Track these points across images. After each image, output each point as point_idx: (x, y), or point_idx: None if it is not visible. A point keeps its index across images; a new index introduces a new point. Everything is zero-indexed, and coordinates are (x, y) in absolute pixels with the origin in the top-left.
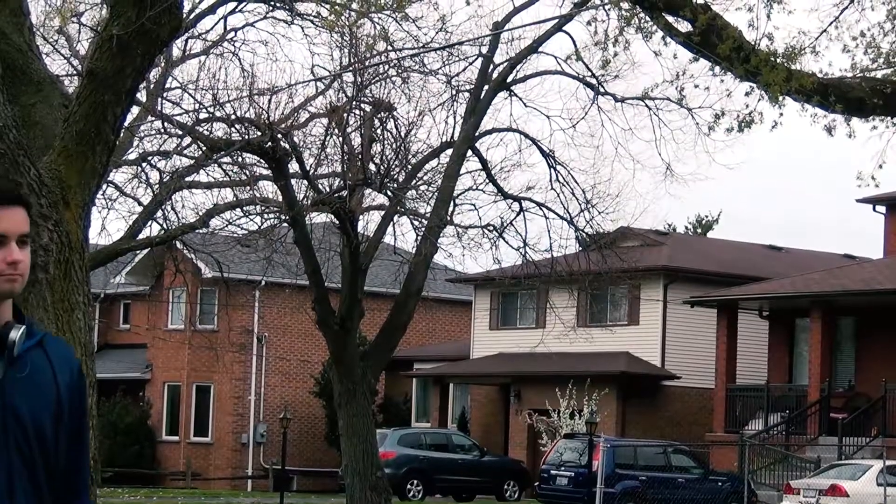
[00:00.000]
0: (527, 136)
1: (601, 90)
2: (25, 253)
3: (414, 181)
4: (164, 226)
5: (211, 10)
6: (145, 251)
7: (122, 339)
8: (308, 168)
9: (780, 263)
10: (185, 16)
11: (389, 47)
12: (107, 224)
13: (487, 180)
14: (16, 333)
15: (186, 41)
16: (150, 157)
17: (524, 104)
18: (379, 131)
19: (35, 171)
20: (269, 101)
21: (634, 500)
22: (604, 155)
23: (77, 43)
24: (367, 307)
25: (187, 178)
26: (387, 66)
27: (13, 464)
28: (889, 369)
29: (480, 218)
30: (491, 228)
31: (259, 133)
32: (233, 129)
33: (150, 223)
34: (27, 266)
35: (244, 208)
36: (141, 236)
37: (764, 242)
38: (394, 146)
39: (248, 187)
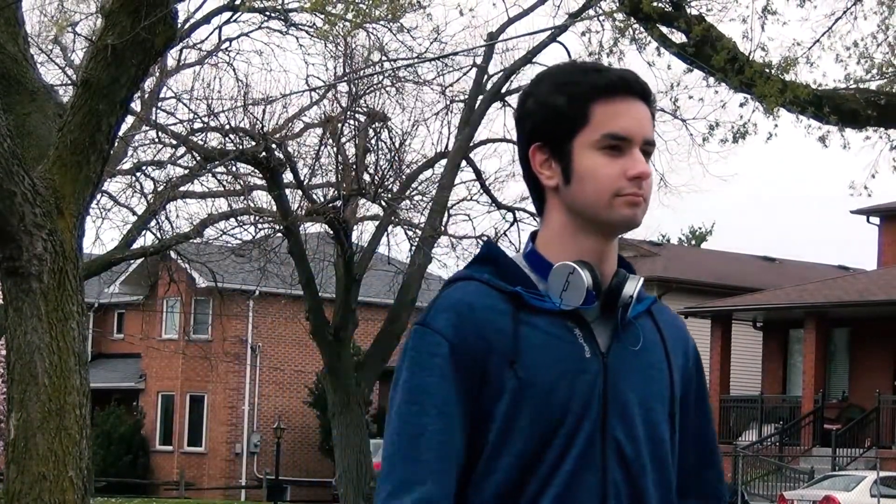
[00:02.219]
0: None
1: None
2: (649, 166)
3: (408, 191)
4: (159, 235)
5: (206, 20)
6: (139, 261)
7: (115, 349)
8: (302, 178)
9: (774, 274)
10: (179, 26)
11: (384, 57)
12: (101, 233)
13: (482, 191)
14: (632, 286)
15: (181, 51)
16: (144, 167)
17: None
18: (373, 141)
19: (29, 180)
20: (264, 111)
21: None
22: None
23: (72, 53)
24: (362, 317)
25: (181, 188)
26: (381, 77)
27: (610, 478)
28: (883, 380)
29: (475, 228)
30: (485, 239)
31: (253, 143)
32: (227, 138)
33: (144, 233)
34: (651, 186)
35: (238, 218)
36: (135, 246)
37: (758, 254)
38: (388, 156)
39: (243, 197)
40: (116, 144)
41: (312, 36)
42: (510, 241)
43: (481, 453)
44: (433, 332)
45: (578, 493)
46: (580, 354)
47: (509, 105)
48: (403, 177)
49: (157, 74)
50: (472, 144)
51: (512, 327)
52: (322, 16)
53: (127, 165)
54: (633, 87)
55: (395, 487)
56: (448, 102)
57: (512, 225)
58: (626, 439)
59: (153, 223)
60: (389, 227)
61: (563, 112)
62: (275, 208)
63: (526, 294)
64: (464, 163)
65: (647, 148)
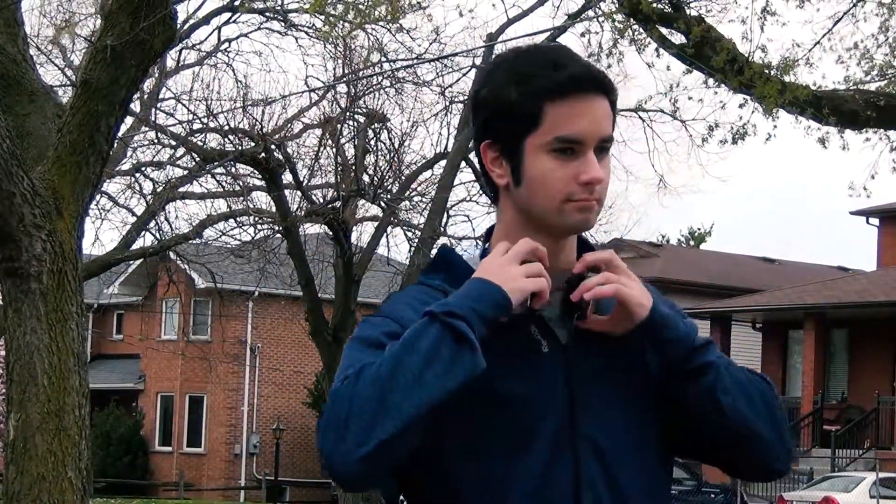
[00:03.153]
0: None
1: None
2: (606, 170)
3: (407, 192)
4: (158, 236)
5: (205, 20)
6: (139, 262)
7: (115, 350)
8: (301, 179)
9: (773, 275)
10: (179, 26)
11: (383, 58)
12: (100, 234)
13: (481, 192)
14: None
15: (180, 52)
16: (143, 168)
17: None
18: (372, 142)
19: (28, 180)
20: (263, 111)
21: None
22: None
23: (71, 53)
24: (361, 318)
25: (181, 189)
26: (381, 78)
27: (585, 473)
28: (882, 381)
29: (474, 229)
30: (441, 244)
31: (253, 144)
32: (226, 139)
33: (143, 233)
34: (606, 187)
35: (238, 219)
36: (134, 247)
37: (757, 254)
38: (387, 157)
39: (242, 198)
40: (116, 145)
41: (312, 37)
42: None
43: (433, 455)
44: (391, 322)
45: (551, 489)
46: (537, 349)
47: None
48: (403, 178)
49: (157, 75)
50: (471, 145)
51: None
52: (321, 17)
53: (126, 166)
54: (588, 85)
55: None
56: (447, 103)
57: None
58: (599, 431)
59: (152, 224)
60: (389, 228)
61: (514, 111)
62: (274, 209)
63: None
64: (463, 164)
65: (604, 145)
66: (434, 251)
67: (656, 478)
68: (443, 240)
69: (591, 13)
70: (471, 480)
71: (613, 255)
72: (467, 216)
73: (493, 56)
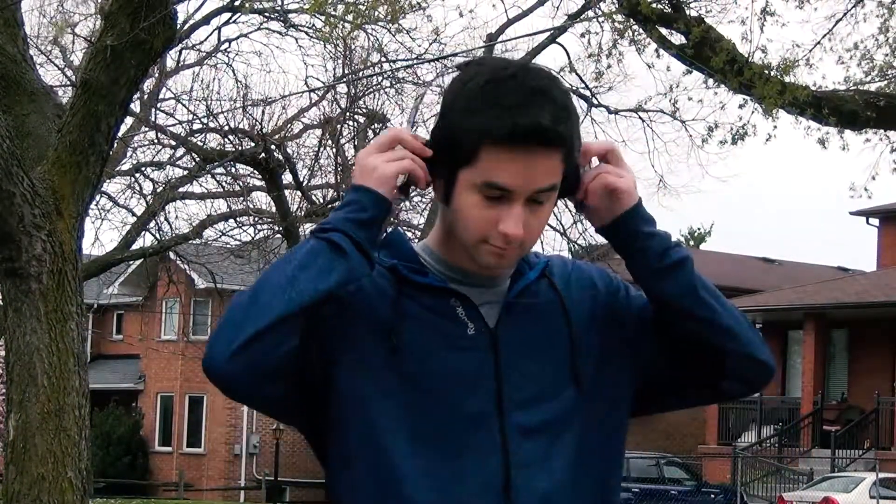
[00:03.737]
0: None
1: (594, 102)
2: (539, 217)
3: None
4: (158, 236)
5: (205, 20)
6: (139, 262)
7: (115, 350)
8: (302, 179)
9: (773, 276)
10: (179, 26)
11: (383, 59)
12: (100, 234)
13: None
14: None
15: (180, 52)
16: (143, 168)
17: None
18: None
19: (28, 181)
20: (263, 111)
21: None
22: None
23: (71, 53)
24: None
25: (181, 189)
26: (380, 78)
27: (513, 456)
28: (882, 382)
29: None
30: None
31: (253, 144)
32: (226, 139)
33: (143, 234)
34: (535, 238)
35: (238, 219)
36: (134, 247)
37: (757, 255)
38: None
39: (242, 198)
40: (116, 145)
41: (312, 37)
42: None
43: (334, 429)
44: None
45: (478, 475)
46: (462, 332)
47: None
48: None
49: (157, 75)
50: None
51: (394, 295)
52: (321, 17)
53: (126, 166)
54: (532, 139)
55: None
56: None
57: None
58: (525, 412)
59: (152, 224)
60: (388, 229)
61: (455, 140)
62: (274, 209)
63: (404, 267)
64: None
65: (539, 196)
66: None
67: (595, 455)
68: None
69: (590, 13)
70: (399, 459)
71: (614, 146)
72: None
73: (478, 62)
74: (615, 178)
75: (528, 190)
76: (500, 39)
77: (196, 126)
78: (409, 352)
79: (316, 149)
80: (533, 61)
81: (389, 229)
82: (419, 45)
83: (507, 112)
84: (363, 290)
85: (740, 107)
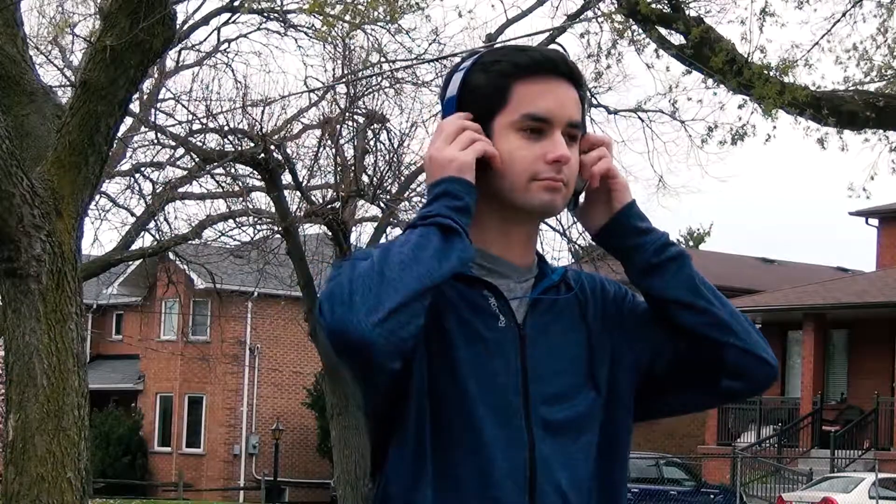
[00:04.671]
0: None
1: (594, 102)
2: (575, 153)
3: (407, 193)
4: (157, 237)
5: (204, 21)
6: (138, 262)
7: (114, 350)
8: (301, 179)
9: (772, 276)
10: (178, 27)
11: (382, 59)
12: (99, 235)
13: None
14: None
15: (180, 52)
16: (143, 168)
17: None
18: (372, 143)
19: (28, 181)
20: (263, 112)
21: None
22: None
23: (70, 54)
24: None
25: (180, 189)
26: (380, 78)
27: (538, 451)
28: (881, 382)
29: None
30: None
31: (252, 144)
32: (226, 140)
33: (142, 234)
34: (575, 173)
35: (237, 219)
36: (134, 247)
37: (756, 255)
38: (387, 158)
39: (241, 198)
40: (115, 146)
41: (311, 37)
42: None
43: (396, 416)
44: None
45: (502, 467)
46: (493, 324)
47: None
48: (402, 178)
49: (156, 76)
50: None
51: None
52: (321, 17)
53: (125, 167)
54: (558, 68)
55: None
56: None
57: None
58: (548, 407)
59: (152, 224)
60: (388, 229)
61: (482, 91)
62: (273, 210)
63: None
64: None
65: (572, 131)
66: None
67: (609, 456)
68: None
69: (590, 14)
70: (417, 445)
71: (611, 140)
72: None
73: (458, 62)
74: (616, 168)
75: (563, 118)
76: (499, 40)
77: (195, 126)
78: (445, 341)
79: (315, 149)
80: None
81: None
82: (418, 46)
83: (530, 52)
84: None
85: (740, 107)
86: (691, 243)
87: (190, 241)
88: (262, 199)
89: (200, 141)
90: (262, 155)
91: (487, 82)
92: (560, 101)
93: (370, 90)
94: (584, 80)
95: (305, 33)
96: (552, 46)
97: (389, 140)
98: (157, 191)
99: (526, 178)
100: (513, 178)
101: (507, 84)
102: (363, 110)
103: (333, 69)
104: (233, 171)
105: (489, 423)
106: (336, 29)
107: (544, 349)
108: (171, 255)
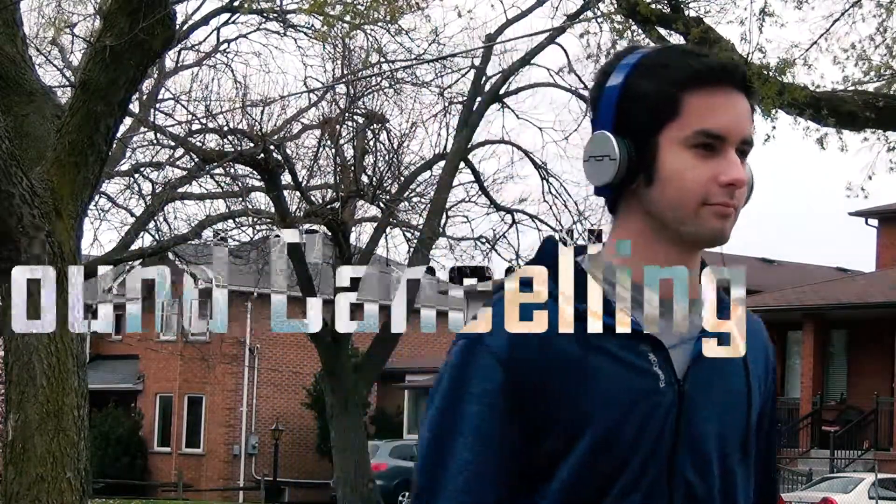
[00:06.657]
0: (519, 148)
1: None
2: (748, 172)
3: (406, 193)
4: (157, 237)
5: (204, 21)
6: (137, 262)
7: (114, 350)
8: (300, 179)
9: (772, 276)
10: (178, 27)
11: (382, 59)
12: (99, 235)
13: (480, 192)
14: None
15: (179, 52)
16: (142, 168)
17: (517, 116)
18: (371, 143)
19: (27, 181)
20: (262, 112)
21: None
22: None
23: (70, 54)
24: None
25: (180, 190)
26: (379, 78)
27: None
28: (881, 382)
29: (473, 230)
30: (483, 241)
31: (252, 144)
32: (225, 140)
33: (142, 234)
34: (745, 196)
35: (236, 219)
36: (133, 247)
37: (756, 255)
38: (386, 158)
39: (241, 198)
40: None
41: (311, 37)
42: (509, 243)
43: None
44: (485, 353)
45: None
46: (654, 386)
47: (507, 107)
48: (402, 178)
49: (156, 76)
50: (470, 146)
51: (579, 353)
52: (320, 17)
53: (125, 167)
54: (734, 77)
55: None
56: (446, 104)
57: (510, 227)
58: (697, 477)
59: (151, 224)
60: (388, 229)
61: (649, 100)
62: (273, 209)
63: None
64: (462, 164)
65: (745, 148)
66: (542, 244)
67: None
68: (441, 240)
69: (589, 14)
70: None
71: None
72: (466, 217)
73: (614, 54)
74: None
75: (738, 135)
76: (499, 40)
77: (195, 126)
78: (597, 416)
79: (315, 149)
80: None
81: (546, 239)
82: (418, 46)
83: (702, 58)
84: (544, 347)
85: None
86: None
87: (189, 242)
88: (261, 200)
89: (200, 141)
90: (262, 155)
91: (656, 90)
92: (737, 115)
93: (370, 90)
94: (756, 89)
95: (305, 33)
96: (552, 47)
97: (389, 140)
98: (157, 191)
99: (697, 201)
100: (681, 200)
101: (679, 94)
102: (363, 110)
103: (333, 69)
104: (232, 171)
105: (631, 497)
106: (336, 29)
107: (702, 413)
108: (171, 256)
